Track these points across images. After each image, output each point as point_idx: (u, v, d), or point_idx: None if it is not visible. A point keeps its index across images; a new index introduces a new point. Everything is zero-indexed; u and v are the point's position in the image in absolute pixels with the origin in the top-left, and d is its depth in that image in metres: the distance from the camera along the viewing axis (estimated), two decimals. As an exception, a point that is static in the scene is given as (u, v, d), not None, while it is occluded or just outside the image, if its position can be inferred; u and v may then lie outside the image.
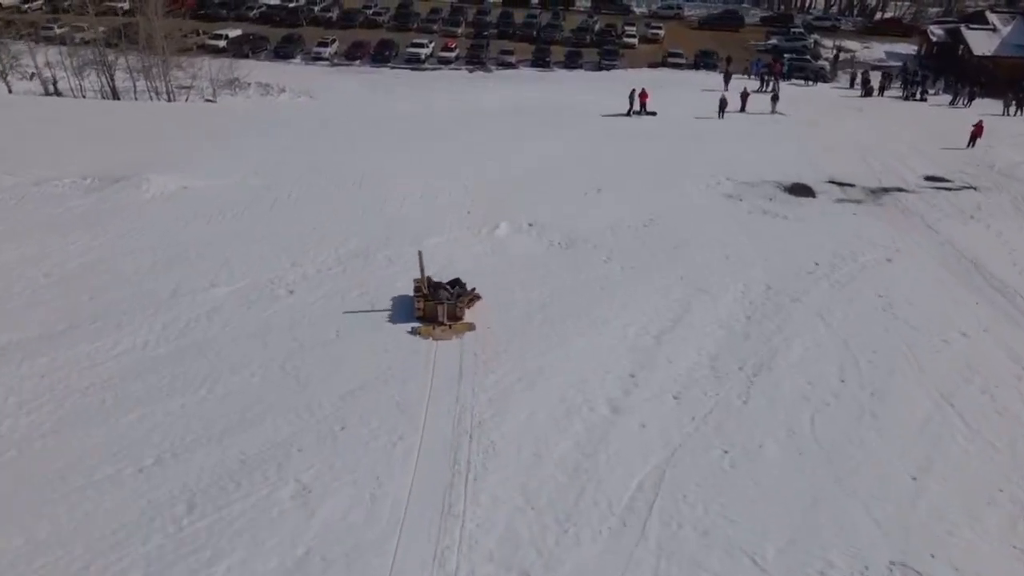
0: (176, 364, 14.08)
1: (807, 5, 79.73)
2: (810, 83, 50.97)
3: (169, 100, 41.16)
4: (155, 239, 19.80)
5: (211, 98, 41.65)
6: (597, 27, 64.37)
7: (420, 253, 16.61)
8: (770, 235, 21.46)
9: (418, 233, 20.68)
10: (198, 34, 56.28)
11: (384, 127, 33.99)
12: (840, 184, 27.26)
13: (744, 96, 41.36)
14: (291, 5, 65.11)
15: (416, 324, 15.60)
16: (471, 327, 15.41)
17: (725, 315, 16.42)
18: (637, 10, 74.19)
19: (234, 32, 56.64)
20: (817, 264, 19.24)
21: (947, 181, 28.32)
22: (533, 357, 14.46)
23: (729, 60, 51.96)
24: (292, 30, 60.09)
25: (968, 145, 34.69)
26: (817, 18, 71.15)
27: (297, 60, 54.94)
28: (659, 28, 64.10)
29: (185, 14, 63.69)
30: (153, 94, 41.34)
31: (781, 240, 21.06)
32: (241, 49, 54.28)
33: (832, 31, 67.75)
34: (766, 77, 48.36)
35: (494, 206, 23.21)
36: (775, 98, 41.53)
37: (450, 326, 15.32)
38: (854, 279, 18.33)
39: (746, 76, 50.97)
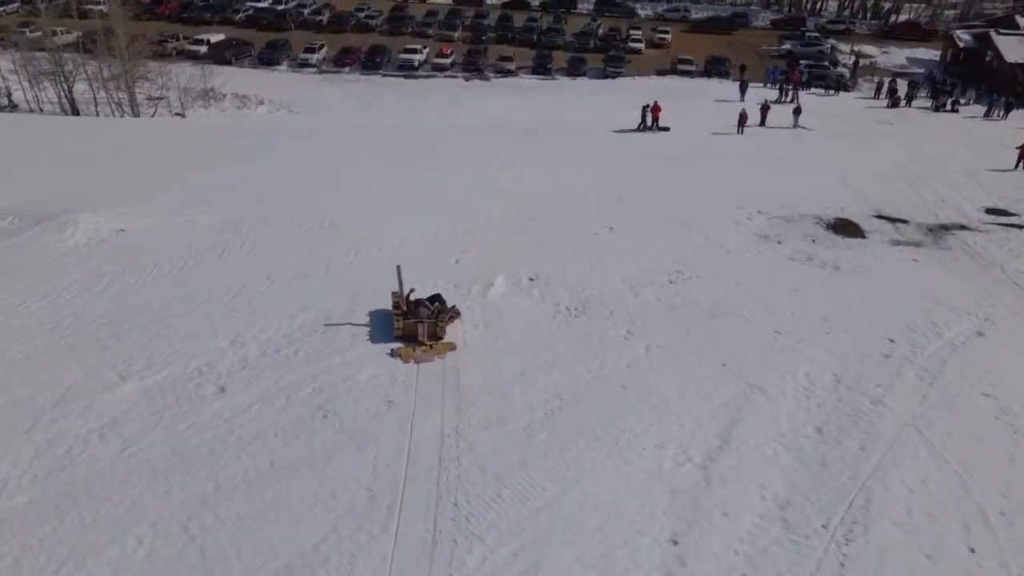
0: (32, 526, 9.87)
1: (818, 8, 75.32)
2: (831, 92, 46.66)
3: (134, 115, 36.83)
4: (61, 308, 15.55)
5: (181, 112, 37.42)
6: (600, 31, 60.08)
7: (399, 268, 15.36)
8: (824, 295, 17.23)
9: (388, 296, 16.48)
10: (177, 39, 52.12)
11: (366, 150, 29.74)
12: (891, 220, 23.02)
13: (765, 109, 37.10)
14: (279, 8, 60.78)
15: (396, 346, 14.43)
16: (452, 347, 14.47)
17: (788, 427, 12.21)
18: (642, 13, 69.83)
19: (216, 37, 52.34)
20: (893, 342, 15.01)
21: (1012, 215, 24.10)
22: (535, 513, 10.24)
23: (744, 68, 47.67)
24: (279, 35, 55.81)
25: (1016, 167, 30.52)
26: (831, 21, 66.74)
27: (283, 67, 50.67)
28: (666, 32, 59.74)
29: (168, 17, 60.10)
30: (116, 108, 36.97)
31: (839, 303, 16.82)
32: (223, 55, 50.01)
33: (847, 35, 63.41)
34: (785, 86, 44.08)
35: (488, 254, 18.99)
36: (798, 111, 37.27)
37: (431, 346, 14.34)
38: (946, 366, 14.10)
39: (762, 85, 46.71)
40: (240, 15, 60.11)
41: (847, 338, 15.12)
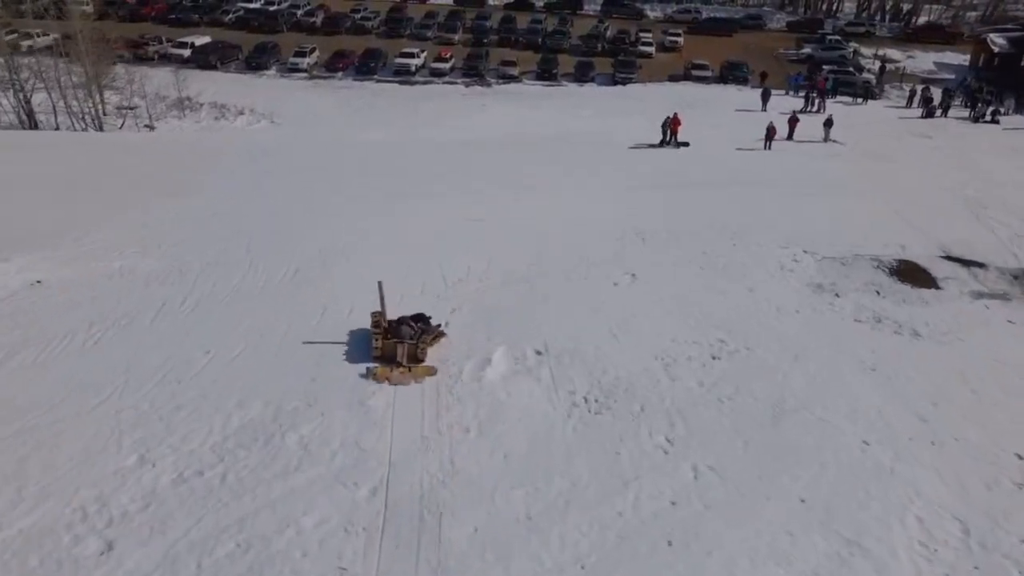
0: None
1: (833, 9, 71.14)
2: (858, 101, 42.62)
3: (98, 128, 32.92)
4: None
5: (150, 124, 33.57)
6: (608, 33, 56.07)
7: (380, 284, 13.78)
8: (912, 379, 13.31)
9: (358, 381, 12.66)
10: (160, 42, 48.24)
11: (349, 172, 25.83)
12: (964, 263, 19.10)
13: (793, 122, 33.12)
14: (271, 9, 56.86)
15: (372, 365, 13.15)
16: (432, 371, 13.11)
17: (914, 622, 8.36)
18: (651, 14, 65.76)
19: (201, 40, 48.40)
20: (1022, 459, 11.13)
21: (1108, 256, 20.19)
22: None
23: (765, 76, 43.69)
24: (271, 37, 51.89)
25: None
26: (850, 23, 62.55)
27: (271, 71, 46.75)
28: (678, 35, 55.67)
29: (154, 18, 56.24)
30: (77, 120, 33.05)
31: (934, 391, 12.92)
32: (207, 59, 46.11)
33: (867, 38, 59.28)
34: (811, 95, 40.06)
35: (484, 314, 15.14)
36: (829, 123, 33.29)
37: (409, 369, 13.08)
38: (1107, 503, 10.23)
39: (784, 92, 42.73)
40: (230, 16, 56.24)
41: (959, 452, 11.22)
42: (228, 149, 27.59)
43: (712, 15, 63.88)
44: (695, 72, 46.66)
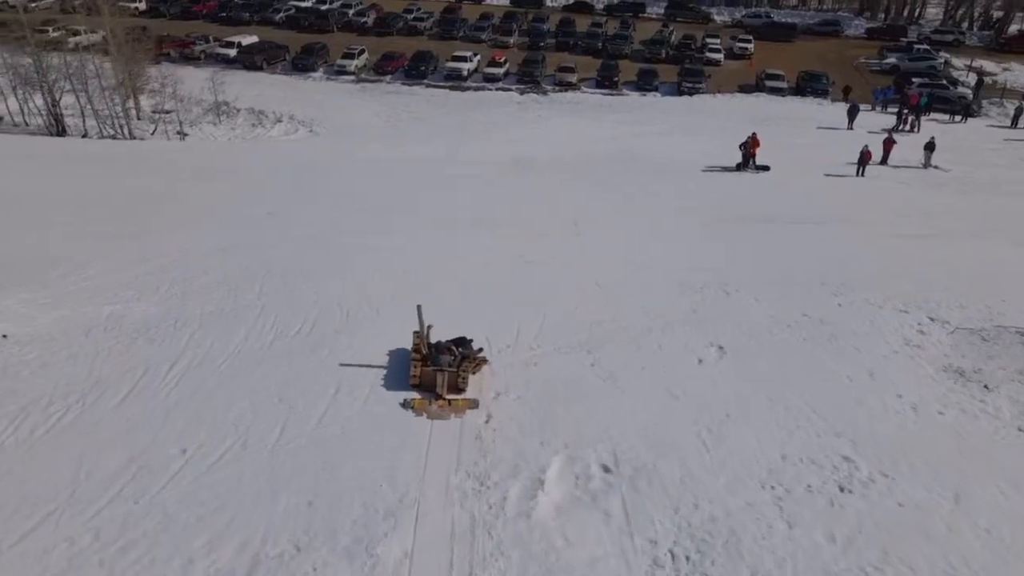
0: None
1: (916, 15, 65.52)
2: (956, 119, 37.86)
3: (128, 136, 30.54)
4: None
5: (182, 132, 31.08)
6: (673, 39, 52.05)
7: (419, 307, 12.20)
8: None
9: (365, 509, 9.44)
10: (207, 41, 46.13)
11: (385, 201, 22.66)
12: None
13: (889, 144, 28.90)
14: (322, 8, 54.45)
15: (410, 396, 11.69)
16: (473, 404, 11.65)
17: None
18: (717, 19, 61.40)
19: (248, 39, 46.17)
20: None
21: None
22: None
23: (848, 89, 39.26)
24: (321, 37, 49.46)
25: None
26: (937, 31, 57.12)
27: (318, 74, 44.23)
28: (748, 41, 51.35)
29: (205, 16, 54.44)
30: (107, 126, 30.72)
31: None
32: (253, 60, 43.83)
33: (956, 47, 53.91)
34: (903, 112, 35.53)
35: (536, 402, 11.78)
36: (930, 146, 28.93)
37: (449, 402, 11.61)
38: None
39: (870, 108, 38.23)
40: (280, 15, 54.06)
41: None
42: (257, 165, 24.73)
43: (781, 20, 59.20)
44: (769, 83, 42.40)
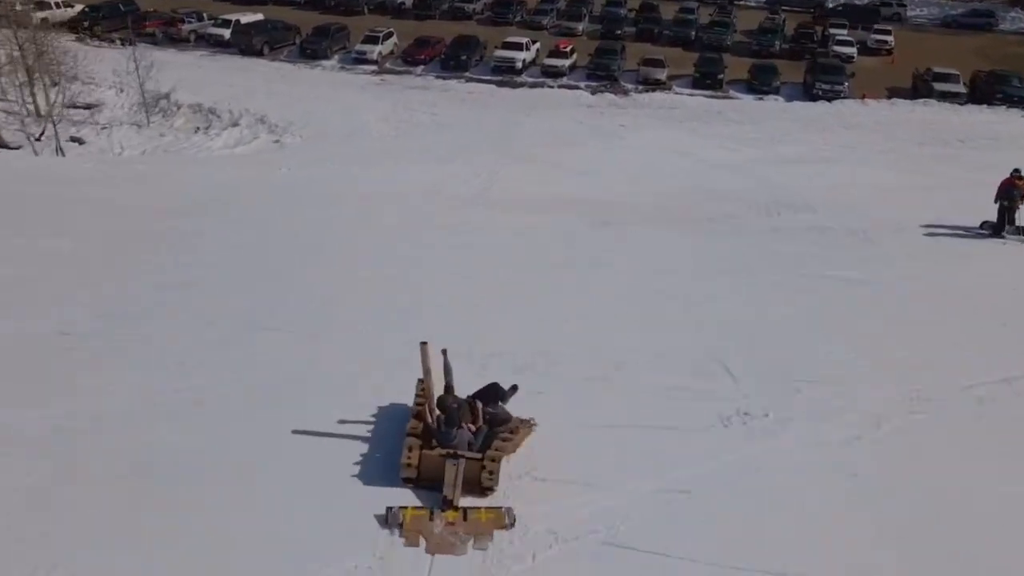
0: None
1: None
2: None
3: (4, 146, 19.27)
4: None
5: (79, 138, 20.00)
6: (785, 29, 39.09)
7: (423, 344, 6.97)
8: None
9: None
10: (200, 18, 35.51)
11: (360, 292, 11.01)
12: None
13: None
14: (354, -15, 43.26)
15: (398, 507, 6.41)
16: (503, 522, 6.29)
17: None
18: (832, 4, 47.83)
19: (250, 17, 35.32)
20: None
21: None
22: None
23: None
24: (347, 19, 38.41)
25: None
26: None
27: (331, 62, 33.06)
28: (887, 33, 37.96)
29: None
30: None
31: None
32: (251, 42, 32.92)
33: None
34: None
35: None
36: None
37: (465, 516, 6.37)
38: None
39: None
40: (303, -8, 43.14)
41: None
42: (141, 215, 13.14)
43: (945, 13, 45.40)
44: (939, 85, 29.13)
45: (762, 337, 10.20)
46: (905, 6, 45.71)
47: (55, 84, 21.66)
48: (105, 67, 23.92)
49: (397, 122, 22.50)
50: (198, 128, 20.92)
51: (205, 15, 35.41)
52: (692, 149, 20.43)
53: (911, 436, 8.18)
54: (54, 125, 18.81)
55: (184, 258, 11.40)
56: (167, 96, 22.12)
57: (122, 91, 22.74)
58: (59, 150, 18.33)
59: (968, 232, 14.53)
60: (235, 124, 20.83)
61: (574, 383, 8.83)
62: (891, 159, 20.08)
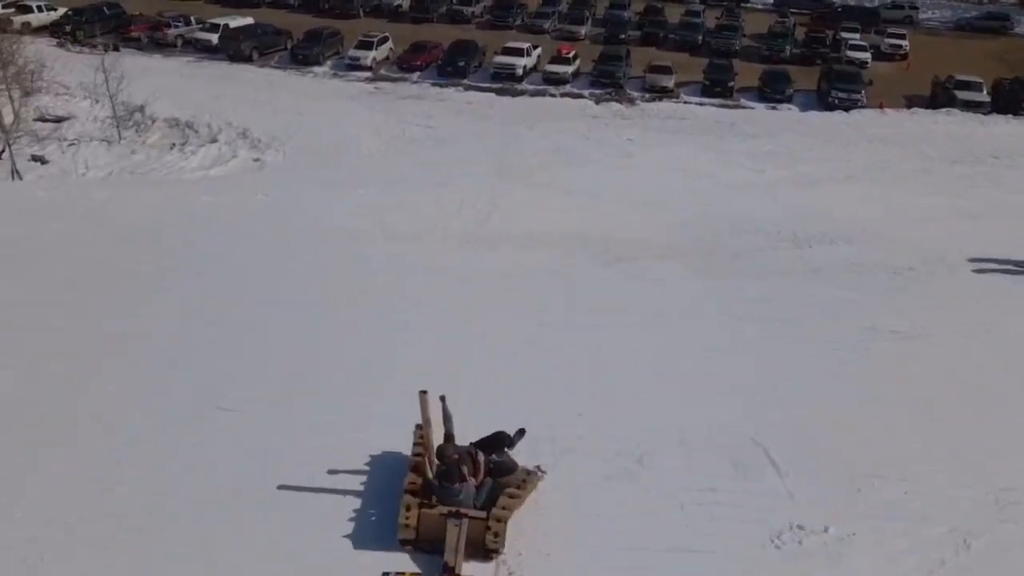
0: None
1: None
2: None
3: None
4: None
5: (42, 157, 18.38)
6: (795, 33, 37.42)
7: (422, 393, 6.38)
8: None
9: None
10: (188, 22, 33.85)
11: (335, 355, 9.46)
12: None
13: None
14: (349, -14, 41.56)
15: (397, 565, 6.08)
16: None
17: None
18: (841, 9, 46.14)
19: (239, 21, 33.65)
20: None
21: None
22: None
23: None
24: (343, 22, 36.78)
25: None
26: None
27: (324, 68, 31.42)
28: (901, 37, 36.32)
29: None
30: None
31: None
32: (240, 48, 31.25)
33: None
34: None
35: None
36: None
37: None
38: None
39: None
40: (296, -6, 41.48)
41: None
42: (84, 260, 11.46)
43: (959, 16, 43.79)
44: (961, 94, 27.47)
45: (807, 411, 8.61)
46: (917, 9, 44.09)
47: (27, 94, 20.01)
48: (82, 75, 22.30)
49: (389, 136, 20.85)
50: (174, 144, 19.26)
51: (193, 19, 33.75)
52: (707, 168, 18.79)
53: (1007, 557, 6.60)
54: (9, 147, 17.14)
55: (130, 317, 9.80)
56: (142, 109, 20.44)
57: (97, 102, 21.09)
58: (15, 173, 16.70)
59: (1022, 268, 12.93)
60: (213, 140, 19.17)
61: (589, 483, 7.24)
62: (924, 180, 18.46)
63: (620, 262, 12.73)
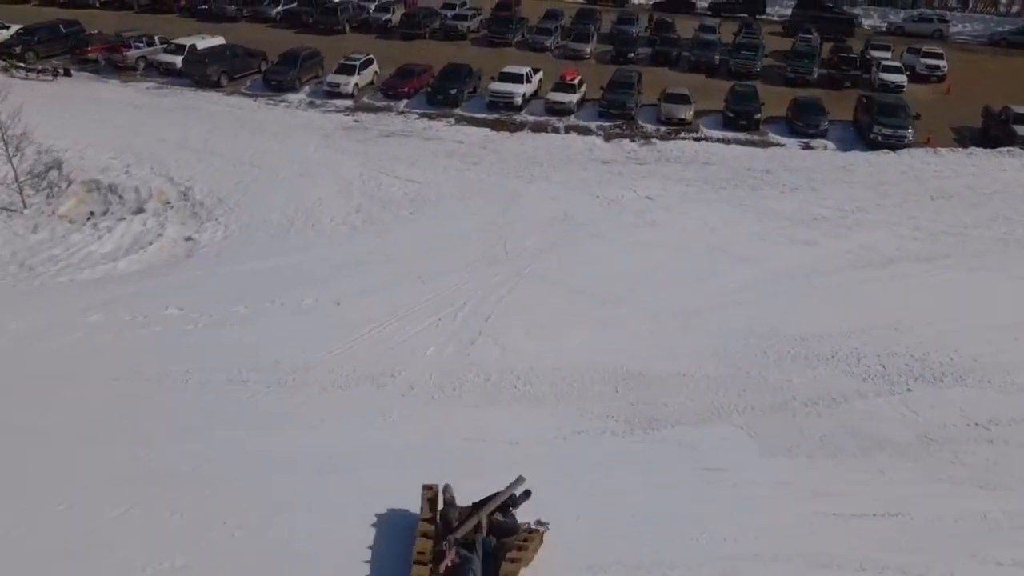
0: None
1: None
2: None
3: None
4: None
5: None
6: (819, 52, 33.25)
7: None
8: None
9: None
10: (151, 43, 29.77)
11: None
12: None
13: None
14: (333, 1, 37.47)
15: None
16: None
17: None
18: (865, 23, 42.02)
19: (208, 41, 29.50)
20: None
21: None
22: None
23: None
24: (327, 40, 32.73)
25: None
26: None
27: (300, 95, 27.35)
28: (939, 56, 32.17)
29: (185, 11, 38.39)
30: None
31: None
32: (206, 72, 27.16)
33: None
34: None
35: None
36: None
37: None
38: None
39: None
40: (277, 9, 37.38)
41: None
42: None
43: (992, 30, 39.58)
44: (1021, 128, 23.37)
45: None
46: (947, 22, 39.91)
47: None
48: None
49: (361, 195, 16.78)
50: (91, 215, 15.32)
51: (157, 39, 29.68)
52: (747, 245, 14.73)
53: None
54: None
55: None
56: (59, 167, 16.40)
57: (19, 151, 17.05)
58: None
59: None
60: (140, 210, 15.15)
61: None
62: (1017, 254, 14.45)
63: (655, 429, 8.80)
